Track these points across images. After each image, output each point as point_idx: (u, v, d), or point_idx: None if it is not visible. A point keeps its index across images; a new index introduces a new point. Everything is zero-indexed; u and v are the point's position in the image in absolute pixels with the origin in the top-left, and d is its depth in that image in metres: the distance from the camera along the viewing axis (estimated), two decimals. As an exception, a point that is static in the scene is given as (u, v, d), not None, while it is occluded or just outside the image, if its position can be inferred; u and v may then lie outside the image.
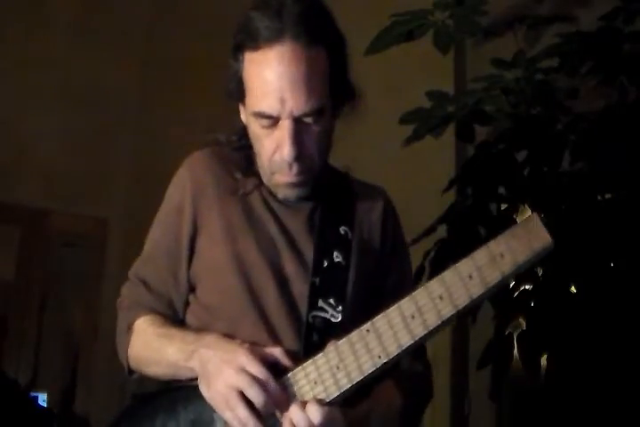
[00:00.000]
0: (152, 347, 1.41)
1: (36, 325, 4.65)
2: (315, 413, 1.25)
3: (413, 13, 2.67)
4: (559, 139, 2.38)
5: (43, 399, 4.22)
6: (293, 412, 1.26)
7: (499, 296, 2.37)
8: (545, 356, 2.28)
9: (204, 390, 1.31)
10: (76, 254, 4.96)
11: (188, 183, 1.48)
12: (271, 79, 1.33)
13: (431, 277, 2.65)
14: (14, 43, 4.66)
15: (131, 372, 1.50)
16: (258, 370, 1.28)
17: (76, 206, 4.78)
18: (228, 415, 1.28)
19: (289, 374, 1.31)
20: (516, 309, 2.32)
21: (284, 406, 1.28)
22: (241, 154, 1.51)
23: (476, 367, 2.46)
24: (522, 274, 2.37)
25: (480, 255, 1.21)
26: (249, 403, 1.27)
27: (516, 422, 3.03)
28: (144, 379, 1.48)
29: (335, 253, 1.44)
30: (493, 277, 1.19)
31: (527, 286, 2.35)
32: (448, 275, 1.23)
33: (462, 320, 2.72)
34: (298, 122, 1.35)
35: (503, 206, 2.51)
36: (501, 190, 2.48)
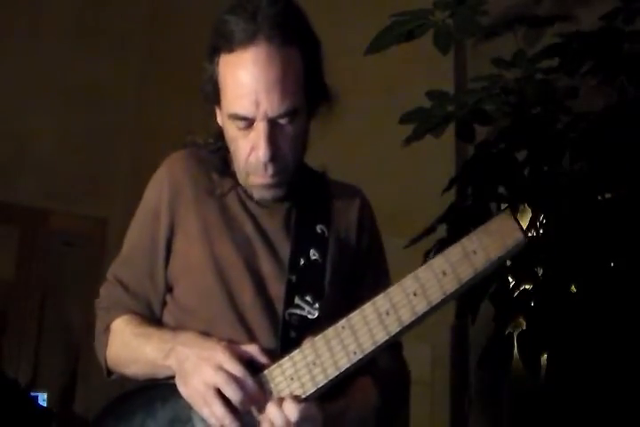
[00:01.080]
0: (130, 347, 1.43)
1: (36, 324, 4.65)
2: (291, 410, 1.26)
3: (413, 13, 2.67)
4: (559, 138, 2.38)
5: (43, 399, 4.22)
6: (270, 410, 1.27)
7: (499, 296, 2.38)
8: (545, 356, 2.28)
9: (182, 388, 1.32)
10: (75, 254, 4.96)
11: (166, 184, 1.50)
12: (245, 81, 1.34)
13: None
14: (15, 43, 4.66)
15: (109, 373, 1.51)
16: (235, 368, 1.29)
17: (76, 206, 4.79)
18: (205, 412, 1.30)
19: (265, 371, 1.32)
20: (516, 309, 2.32)
21: (261, 403, 1.30)
22: (217, 155, 1.52)
23: (476, 367, 2.46)
24: (522, 274, 2.38)
25: (453, 252, 1.23)
26: (226, 400, 1.28)
27: (516, 422, 3.03)
28: (126, 379, 1.49)
29: (312, 251, 1.45)
30: (467, 274, 1.21)
31: (527, 286, 2.35)
32: (422, 271, 1.25)
33: (462, 320, 2.72)
34: (272, 123, 1.36)
35: (503, 206, 2.50)
36: (501, 190, 2.48)
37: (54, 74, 4.75)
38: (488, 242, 1.21)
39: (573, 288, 2.25)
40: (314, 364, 1.29)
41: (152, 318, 1.48)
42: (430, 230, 2.55)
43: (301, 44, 1.38)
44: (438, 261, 1.24)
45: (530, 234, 2.43)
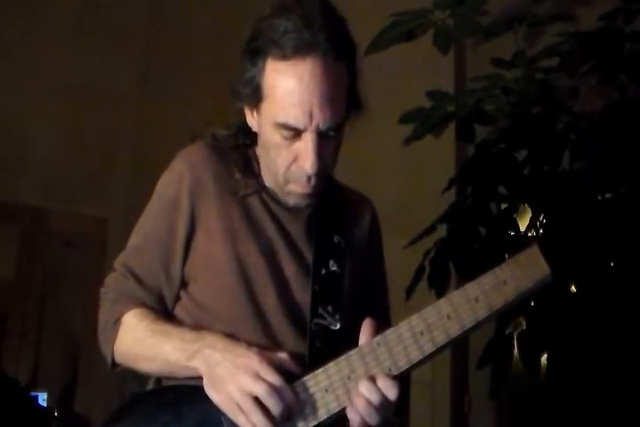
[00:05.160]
0: (145, 343, 1.39)
1: (36, 325, 4.65)
2: (390, 386, 1.26)
3: (413, 13, 2.67)
4: (559, 138, 2.38)
5: (43, 399, 4.23)
6: (365, 386, 1.27)
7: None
8: (545, 355, 2.28)
9: (212, 393, 1.30)
10: (76, 254, 4.96)
11: (187, 176, 1.45)
12: (300, 92, 1.32)
13: (431, 276, 2.66)
14: (14, 43, 4.66)
15: (114, 365, 1.47)
16: (274, 378, 1.28)
17: (76, 206, 4.78)
18: (241, 420, 1.28)
19: (301, 381, 1.31)
20: (516, 309, 2.32)
21: (297, 414, 1.29)
22: (239, 152, 1.49)
23: (476, 367, 2.46)
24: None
25: (486, 280, 1.28)
26: (264, 409, 1.27)
27: (515, 422, 3.03)
28: (143, 378, 1.47)
29: (331, 262, 1.46)
30: (498, 302, 1.27)
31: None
32: (456, 296, 1.28)
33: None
34: (321, 136, 1.35)
35: (503, 206, 2.51)
36: (501, 190, 2.48)
37: (54, 74, 4.75)
38: (518, 274, 1.27)
39: (573, 288, 2.25)
40: (348, 378, 1.29)
41: (163, 312, 1.45)
42: (430, 230, 2.55)
43: (348, 57, 1.38)
44: (472, 288, 1.28)
45: (530, 234, 2.44)
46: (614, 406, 2.19)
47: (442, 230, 2.58)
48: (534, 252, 1.28)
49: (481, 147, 2.59)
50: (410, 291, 2.45)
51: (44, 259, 4.75)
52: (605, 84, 2.46)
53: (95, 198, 4.85)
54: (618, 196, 2.29)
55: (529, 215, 2.44)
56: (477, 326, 1.28)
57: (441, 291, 2.45)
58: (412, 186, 3.32)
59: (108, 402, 4.27)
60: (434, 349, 1.27)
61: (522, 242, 2.41)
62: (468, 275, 2.55)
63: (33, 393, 4.17)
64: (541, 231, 2.40)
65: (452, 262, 2.50)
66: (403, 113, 2.68)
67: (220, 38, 4.62)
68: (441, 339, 1.27)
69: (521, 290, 1.27)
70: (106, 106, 4.90)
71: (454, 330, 1.27)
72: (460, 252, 2.49)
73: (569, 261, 2.19)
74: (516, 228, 2.44)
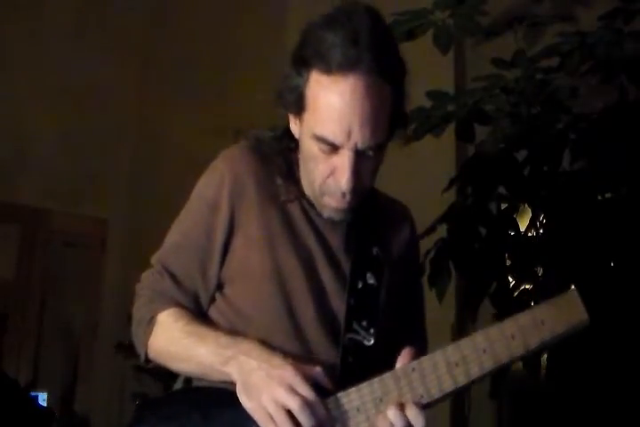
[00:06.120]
0: (181, 344, 1.39)
1: (35, 324, 4.65)
2: (417, 416, 1.28)
3: (413, 13, 2.67)
4: (559, 138, 2.38)
5: (43, 399, 4.22)
6: (393, 413, 1.27)
7: (499, 296, 2.38)
8: (545, 355, 2.28)
9: (245, 400, 1.30)
10: (76, 254, 4.96)
11: (228, 179, 1.44)
12: (341, 109, 1.32)
13: (431, 276, 2.66)
14: (14, 43, 4.66)
15: (147, 361, 1.47)
16: (308, 392, 1.28)
17: (76, 206, 4.79)
18: None
19: (333, 397, 1.32)
20: (516, 309, 2.31)
21: None
22: (282, 157, 1.48)
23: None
24: (522, 274, 2.38)
25: (524, 318, 1.31)
26: (295, 423, 1.27)
27: (516, 422, 3.03)
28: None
29: (368, 275, 1.45)
30: (533, 341, 1.29)
31: (527, 286, 2.35)
32: (493, 331, 1.30)
33: (462, 319, 2.72)
34: (358, 153, 1.35)
35: (503, 206, 2.51)
36: (501, 190, 2.48)
37: (54, 74, 4.75)
38: (556, 315, 1.29)
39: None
40: (380, 400, 1.30)
41: (198, 313, 1.45)
42: (430, 230, 2.55)
43: (394, 79, 1.37)
44: (509, 324, 1.30)
45: (530, 234, 2.44)
46: (614, 406, 2.19)
47: (442, 230, 2.58)
48: (574, 296, 1.30)
49: (481, 147, 2.59)
50: (410, 291, 2.45)
51: (44, 259, 4.75)
52: (605, 85, 2.46)
53: (95, 198, 4.86)
54: (618, 196, 2.29)
55: (529, 215, 2.44)
56: (512, 361, 1.30)
57: (441, 291, 2.46)
58: (411, 186, 3.32)
59: (108, 402, 4.27)
60: (467, 381, 1.29)
61: (522, 242, 2.42)
62: (468, 275, 2.56)
63: (33, 393, 4.17)
64: (541, 231, 2.41)
65: (452, 262, 2.50)
66: (403, 113, 2.67)
67: (220, 38, 4.62)
68: (475, 372, 1.29)
69: (557, 332, 1.28)
70: (106, 106, 4.90)
71: (489, 364, 1.28)
72: (460, 252, 2.49)
73: (569, 261, 2.19)
74: (516, 228, 2.44)
